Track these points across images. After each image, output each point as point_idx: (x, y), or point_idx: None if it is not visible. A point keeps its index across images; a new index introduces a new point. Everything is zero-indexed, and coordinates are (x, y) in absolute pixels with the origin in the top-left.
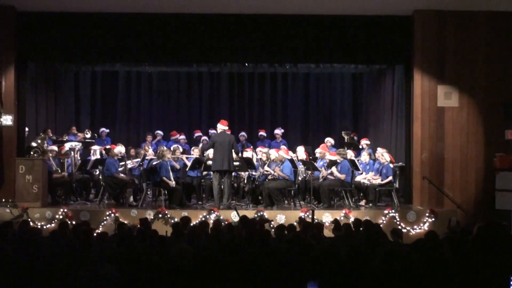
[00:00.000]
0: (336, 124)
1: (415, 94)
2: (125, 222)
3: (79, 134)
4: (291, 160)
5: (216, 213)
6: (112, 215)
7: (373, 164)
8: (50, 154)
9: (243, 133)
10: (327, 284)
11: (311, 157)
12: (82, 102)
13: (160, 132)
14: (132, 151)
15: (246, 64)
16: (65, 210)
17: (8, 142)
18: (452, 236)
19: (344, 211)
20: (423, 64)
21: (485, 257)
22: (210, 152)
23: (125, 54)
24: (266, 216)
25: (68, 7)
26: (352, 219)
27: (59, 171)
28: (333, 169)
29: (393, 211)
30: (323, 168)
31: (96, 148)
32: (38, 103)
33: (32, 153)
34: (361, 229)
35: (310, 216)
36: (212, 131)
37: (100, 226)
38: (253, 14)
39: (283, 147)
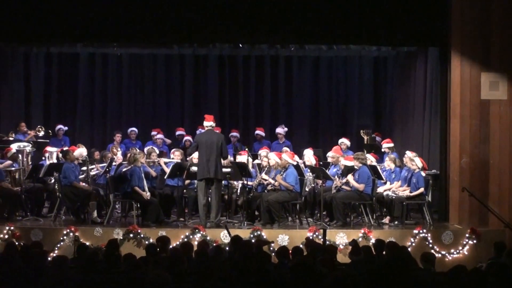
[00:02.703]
0: (353, 121)
1: (453, 83)
2: (87, 243)
3: (29, 132)
4: (297, 166)
5: (201, 232)
6: (71, 234)
7: (400, 171)
8: None
9: (234, 133)
10: None
11: (321, 163)
12: (34, 92)
13: (134, 129)
14: (96, 154)
15: (240, 45)
16: (12, 228)
17: None
18: (499, 263)
19: (363, 231)
20: (463, 46)
21: None
22: (195, 156)
23: (87, 31)
24: (264, 237)
25: None
26: (373, 241)
27: (8, 182)
28: (349, 177)
29: (424, 230)
30: (336, 176)
31: (52, 150)
32: None
33: None
34: (384, 253)
35: (321, 237)
36: (200, 131)
37: (56, 248)
38: None
39: (286, 149)
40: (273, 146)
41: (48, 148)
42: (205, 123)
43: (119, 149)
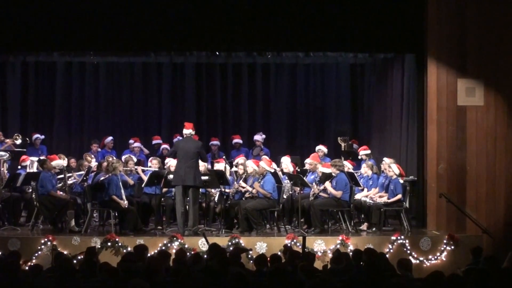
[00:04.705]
0: (330, 128)
1: (430, 90)
2: (65, 252)
3: (6, 140)
4: (274, 174)
5: (179, 240)
6: (49, 243)
7: (377, 178)
8: None
9: (215, 141)
10: None
11: (299, 170)
12: (11, 101)
13: (110, 138)
14: (72, 162)
15: (217, 53)
16: None
17: None
18: (477, 268)
19: (340, 238)
20: (439, 52)
21: None
22: (172, 164)
23: (64, 40)
24: (243, 245)
25: None
26: (351, 247)
27: None
28: (327, 184)
29: (402, 237)
30: (314, 183)
31: (33, 159)
32: None
33: None
34: (361, 263)
35: (299, 244)
36: (177, 138)
37: (33, 257)
38: None
39: (264, 157)
40: (251, 153)
41: (32, 158)
42: (184, 131)
43: (92, 156)
